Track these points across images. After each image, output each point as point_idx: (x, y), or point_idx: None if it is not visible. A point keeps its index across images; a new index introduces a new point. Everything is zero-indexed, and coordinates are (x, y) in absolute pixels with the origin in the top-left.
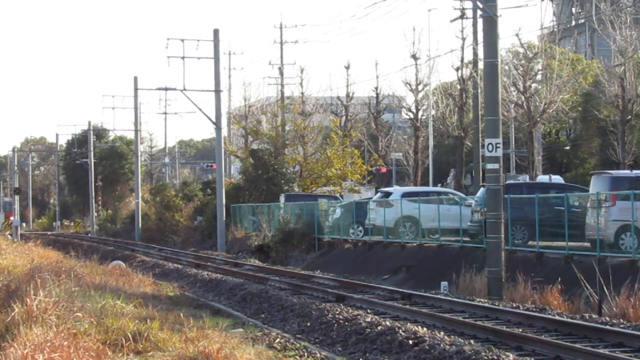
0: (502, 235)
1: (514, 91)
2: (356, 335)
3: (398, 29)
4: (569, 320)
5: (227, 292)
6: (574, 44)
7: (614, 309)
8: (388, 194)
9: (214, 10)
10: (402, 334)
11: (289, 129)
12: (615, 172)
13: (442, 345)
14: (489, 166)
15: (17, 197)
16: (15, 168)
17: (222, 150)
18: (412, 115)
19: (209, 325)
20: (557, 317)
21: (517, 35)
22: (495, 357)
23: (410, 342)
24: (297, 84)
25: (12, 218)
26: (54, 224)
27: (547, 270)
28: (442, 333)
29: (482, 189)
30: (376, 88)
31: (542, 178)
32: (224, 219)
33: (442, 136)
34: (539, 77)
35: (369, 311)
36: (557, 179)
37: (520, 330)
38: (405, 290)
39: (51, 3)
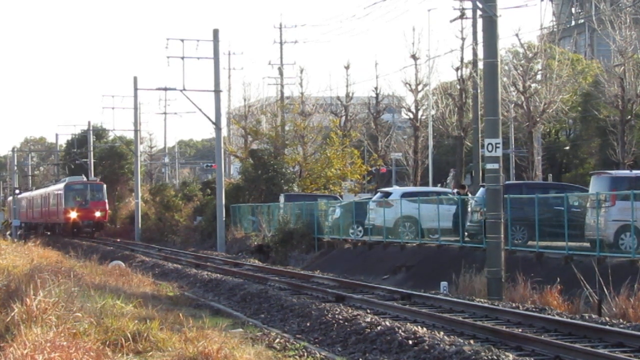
0: (502, 235)
1: (514, 91)
2: (356, 335)
3: (398, 29)
4: (569, 320)
5: (226, 292)
6: (574, 44)
7: (614, 309)
8: (388, 194)
9: (214, 10)
10: (402, 334)
11: (289, 129)
12: (615, 172)
13: (441, 345)
14: (489, 166)
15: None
16: (15, 168)
17: (222, 150)
18: (411, 115)
19: (209, 325)
20: (556, 317)
21: (516, 35)
22: (495, 357)
23: (410, 342)
24: (296, 84)
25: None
26: None
27: (547, 270)
28: (442, 333)
29: (481, 189)
30: (376, 88)
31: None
32: (224, 219)
33: (442, 136)
34: (538, 77)
35: (368, 311)
36: None
37: (520, 330)
38: (404, 290)
39: (51, 3)
